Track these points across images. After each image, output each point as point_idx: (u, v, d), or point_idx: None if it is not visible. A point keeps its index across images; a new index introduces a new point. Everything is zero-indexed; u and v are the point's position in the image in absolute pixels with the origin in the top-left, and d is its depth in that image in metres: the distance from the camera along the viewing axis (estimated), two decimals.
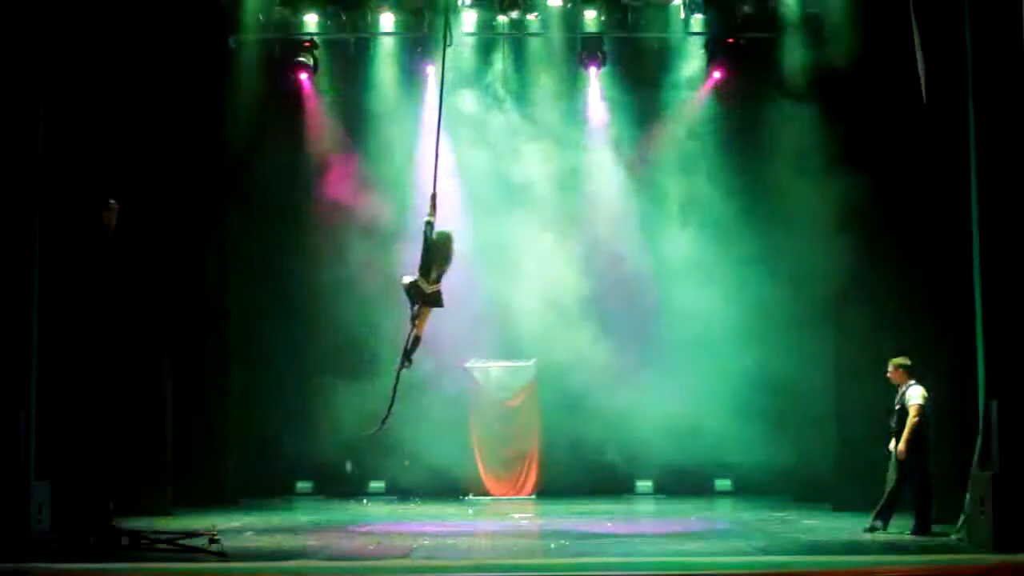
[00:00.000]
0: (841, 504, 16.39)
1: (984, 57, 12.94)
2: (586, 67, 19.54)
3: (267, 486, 19.07)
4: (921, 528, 13.72)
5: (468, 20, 19.21)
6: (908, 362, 14.17)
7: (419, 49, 19.45)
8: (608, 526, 15.09)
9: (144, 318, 16.30)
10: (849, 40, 16.86)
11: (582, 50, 19.41)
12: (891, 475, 13.96)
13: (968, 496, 12.90)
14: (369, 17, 19.32)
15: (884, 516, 13.97)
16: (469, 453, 19.23)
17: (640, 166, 19.94)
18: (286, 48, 19.29)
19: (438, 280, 13.18)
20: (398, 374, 13.15)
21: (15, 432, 12.70)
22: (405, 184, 19.57)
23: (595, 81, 19.85)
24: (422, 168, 19.66)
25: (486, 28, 19.49)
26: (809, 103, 17.79)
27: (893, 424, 14.01)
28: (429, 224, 13.14)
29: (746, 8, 18.87)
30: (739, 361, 18.44)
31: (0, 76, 13.11)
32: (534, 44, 19.78)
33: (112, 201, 12.95)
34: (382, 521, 15.91)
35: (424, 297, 13.17)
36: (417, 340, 13.28)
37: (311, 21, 19.24)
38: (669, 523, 15.56)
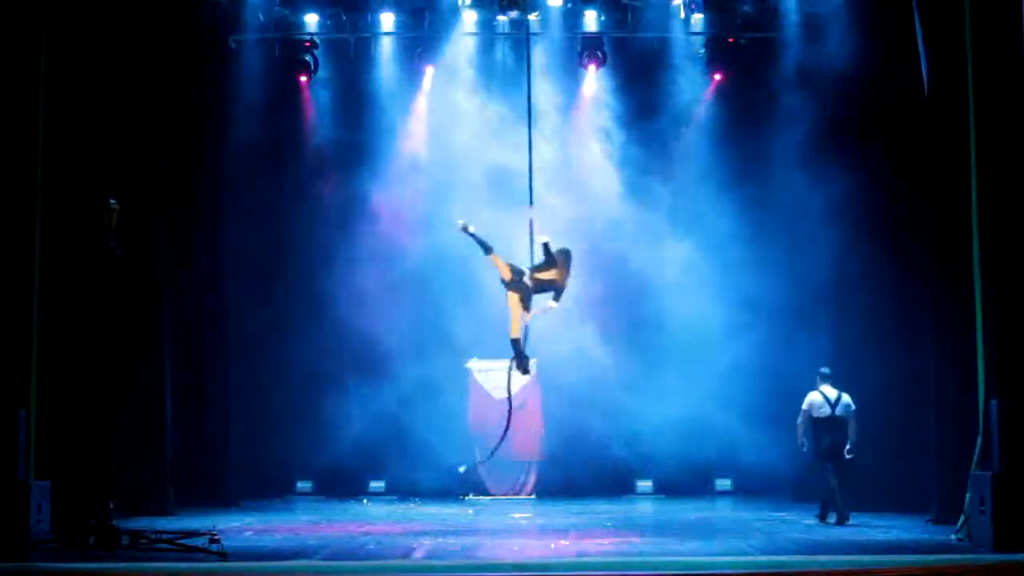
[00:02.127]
0: None
1: (984, 54, 12.93)
2: (586, 67, 19.55)
3: (267, 486, 19.07)
4: (821, 517, 15.26)
5: (468, 20, 19.23)
6: (822, 370, 15.58)
7: (419, 49, 19.48)
8: (608, 526, 15.08)
9: (144, 318, 16.29)
10: (848, 39, 16.87)
11: (582, 50, 19.41)
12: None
13: (968, 496, 12.89)
14: (369, 17, 19.33)
15: (834, 508, 15.14)
16: (469, 453, 19.22)
17: (640, 165, 19.94)
18: (286, 48, 19.31)
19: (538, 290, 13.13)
20: (509, 376, 13.29)
21: (15, 432, 12.69)
22: (405, 183, 19.62)
23: (595, 81, 19.86)
24: (422, 167, 19.81)
25: (486, 28, 19.49)
26: (808, 101, 17.80)
27: None
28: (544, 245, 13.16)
29: (746, 8, 18.89)
30: (739, 361, 18.45)
31: (0, 76, 13.10)
32: (534, 44, 19.76)
33: (112, 201, 12.93)
34: (382, 521, 15.91)
35: (516, 285, 13.16)
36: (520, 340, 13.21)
37: (311, 21, 19.27)
38: (669, 523, 15.56)
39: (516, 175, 19.57)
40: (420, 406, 19.09)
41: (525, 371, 13.55)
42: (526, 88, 14.56)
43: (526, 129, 19.64)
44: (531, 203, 13.88)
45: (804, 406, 15.50)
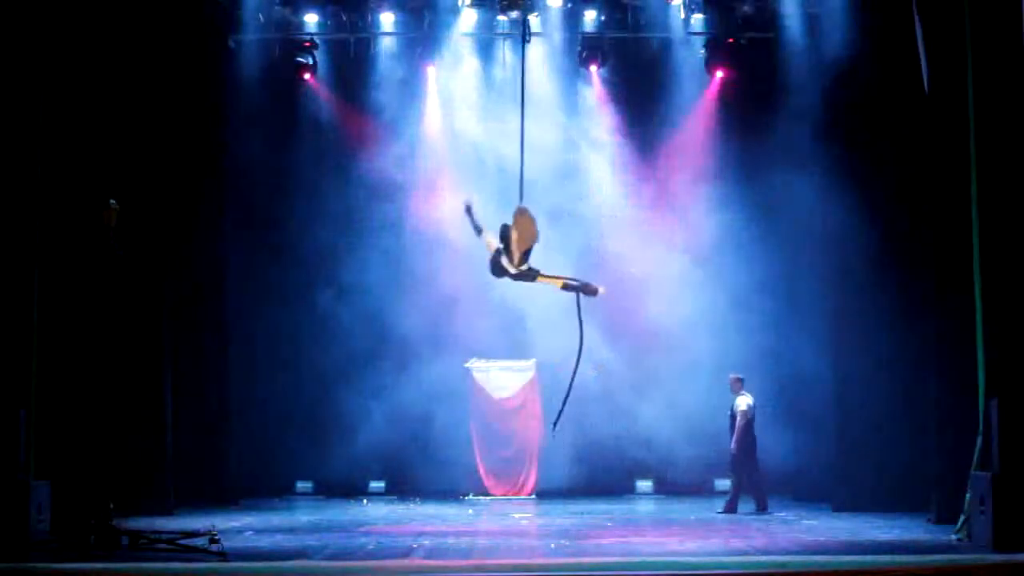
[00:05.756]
0: (841, 504, 16.41)
1: (984, 53, 12.92)
2: (586, 67, 19.55)
3: (267, 486, 19.07)
4: (760, 509, 16.45)
5: (468, 20, 19.22)
6: (740, 376, 16.77)
7: (419, 49, 19.49)
8: (608, 526, 15.09)
9: (144, 318, 16.28)
10: (848, 39, 16.87)
11: (582, 50, 19.41)
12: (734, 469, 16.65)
13: (968, 496, 12.89)
14: (369, 17, 19.34)
15: (732, 504, 16.49)
16: (469, 453, 19.22)
17: (639, 164, 19.94)
18: (286, 48, 19.30)
19: (523, 260, 13.06)
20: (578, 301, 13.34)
21: (15, 431, 12.70)
22: (404, 183, 19.63)
23: (595, 80, 19.86)
24: (423, 167, 19.81)
25: (486, 28, 19.49)
26: (808, 101, 17.79)
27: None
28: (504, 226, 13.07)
29: (746, 8, 18.90)
30: (739, 361, 18.42)
31: (0, 77, 13.11)
32: (534, 44, 19.74)
33: (112, 201, 12.94)
34: (382, 521, 15.91)
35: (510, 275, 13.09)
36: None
37: (311, 21, 19.27)
38: (669, 523, 15.57)
39: (515, 177, 19.60)
40: (421, 406, 19.07)
41: (592, 292, 13.45)
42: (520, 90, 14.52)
43: (529, 133, 19.77)
44: (520, 199, 13.72)
45: (745, 409, 16.49)
